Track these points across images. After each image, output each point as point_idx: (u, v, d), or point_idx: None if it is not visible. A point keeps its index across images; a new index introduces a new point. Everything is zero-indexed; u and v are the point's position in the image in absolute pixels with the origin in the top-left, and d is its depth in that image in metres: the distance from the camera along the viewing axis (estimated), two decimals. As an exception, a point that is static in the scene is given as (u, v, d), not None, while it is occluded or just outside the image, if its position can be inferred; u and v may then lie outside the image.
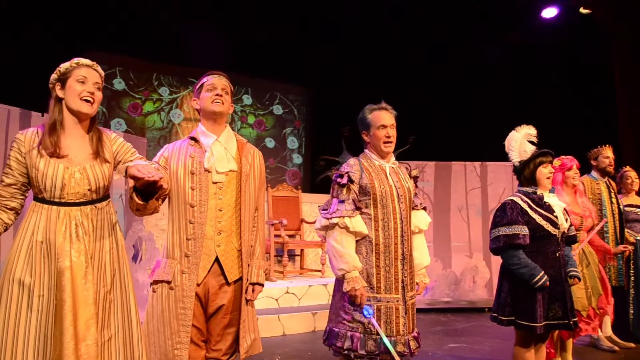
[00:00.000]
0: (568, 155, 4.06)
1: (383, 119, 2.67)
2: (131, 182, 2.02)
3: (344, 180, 2.53)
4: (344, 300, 2.49)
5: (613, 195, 4.73)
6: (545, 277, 2.77)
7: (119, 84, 8.32)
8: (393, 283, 2.50)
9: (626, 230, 4.76)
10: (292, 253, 6.85)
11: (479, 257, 6.52)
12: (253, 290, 2.36)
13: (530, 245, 2.84)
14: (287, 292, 5.42)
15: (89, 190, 2.08)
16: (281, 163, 9.57)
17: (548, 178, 3.00)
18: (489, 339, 4.98)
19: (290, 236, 6.44)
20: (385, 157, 2.68)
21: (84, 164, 2.08)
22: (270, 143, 9.44)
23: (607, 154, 4.76)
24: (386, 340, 2.41)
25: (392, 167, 2.69)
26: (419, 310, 5.87)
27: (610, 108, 7.39)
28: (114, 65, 8.30)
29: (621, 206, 4.79)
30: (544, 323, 2.81)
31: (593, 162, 4.85)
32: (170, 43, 8.14)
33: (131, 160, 2.16)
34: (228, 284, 2.31)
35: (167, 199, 2.36)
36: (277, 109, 9.68)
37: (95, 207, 2.11)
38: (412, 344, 2.52)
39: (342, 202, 2.51)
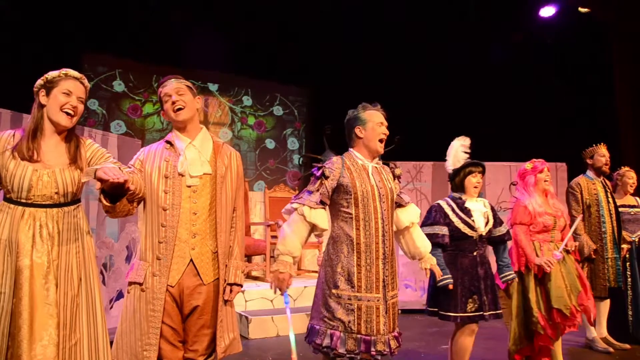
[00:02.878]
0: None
1: (380, 117, 2.73)
2: (98, 184, 2.04)
3: (318, 173, 2.56)
4: (325, 297, 2.51)
5: (609, 195, 4.68)
6: (449, 279, 3.10)
7: (118, 86, 8.36)
8: (374, 282, 2.50)
9: (622, 230, 4.70)
10: (289, 254, 6.83)
11: (477, 258, 6.47)
12: (231, 291, 2.39)
13: (450, 244, 3.22)
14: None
15: (56, 193, 2.13)
16: (281, 164, 9.57)
17: (475, 187, 3.34)
18: (483, 340, 4.92)
19: (287, 237, 6.41)
20: (375, 155, 2.69)
21: (55, 167, 2.15)
22: (270, 144, 9.45)
23: (602, 153, 4.69)
24: (292, 335, 2.51)
25: (375, 167, 2.68)
26: (415, 311, 5.89)
27: (610, 107, 7.33)
28: (113, 67, 8.35)
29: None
30: (460, 315, 3.16)
31: (589, 161, 4.78)
32: (170, 45, 8.16)
33: (99, 164, 2.20)
34: (203, 285, 2.33)
35: (142, 202, 2.38)
36: (278, 110, 9.69)
37: (62, 210, 2.16)
38: (393, 343, 2.54)
39: (310, 192, 2.54)
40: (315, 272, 6.33)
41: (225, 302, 2.38)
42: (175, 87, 2.39)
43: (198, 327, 2.33)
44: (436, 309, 3.24)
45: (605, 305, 4.65)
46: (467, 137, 3.52)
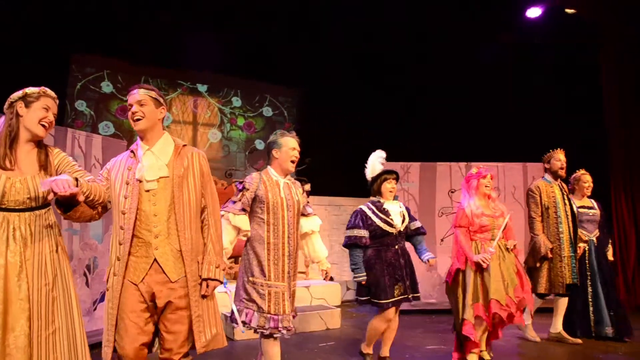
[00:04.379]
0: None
1: (293, 143, 3.33)
2: (51, 195, 2.22)
3: (240, 187, 3.23)
4: (244, 283, 3.14)
5: (566, 197, 4.94)
6: (363, 276, 3.75)
7: (106, 87, 8.33)
8: (280, 273, 3.14)
9: (580, 230, 5.01)
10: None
11: (464, 258, 6.49)
12: (207, 286, 2.49)
13: (374, 241, 3.85)
14: (269, 294, 5.40)
15: (28, 198, 2.33)
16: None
17: (390, 191, 3.97)
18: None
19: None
20: (287, 173, 3.32)
21: (27, 175, 2.35)
22: (260, 145, 9.43)
23: (559, 157, 4.96)
24: (234, 307, 3.10)
25: (287, 183, 3.32)
26: (404, 312, 5.92)
27: (598, 107, 7.38)
28: (101, 68, 8.32)
29: (574, 207, 5.00)
30: (390, 300, 3.74)
31: (546, 165, 5.05)
32: (158, 46, 8.14)
33: (67, 173, 2.38)
34: (172, 282, 2.43)
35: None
36: (267, 111, 9.68)
37: (34, 213, 2.36)
38: (293, 322, 3.20)
39: (234, 202, 3.19)
40: (303, 272, 6.34)
41: (204, 297, 2.47)
42: (138, 98, 2.53)
43: (172, 322, 2.42)
44: (368, 298, 3.80)
45: (563, 302, 4.88)
46: (383, 150, 4.13)
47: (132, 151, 2.59)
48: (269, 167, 3.34)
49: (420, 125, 8.69)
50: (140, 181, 2.46)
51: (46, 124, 2.42)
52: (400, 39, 8.47)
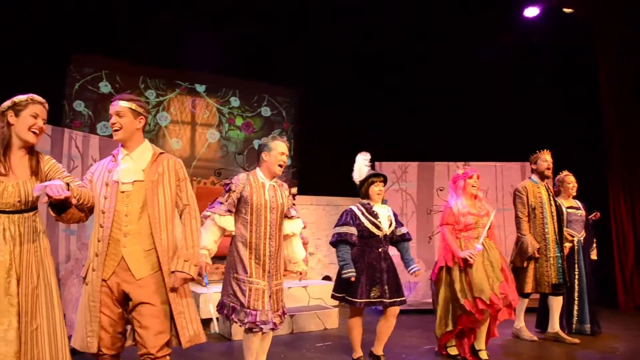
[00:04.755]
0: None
1: (283, 148, 3.46)
2: (46, 198, 2.36)
3: (227, 188, 3.37)
4: (230, 279, 3.33)
5: (552, 198, 5.02)
6: (352, 272, 3.77)
7: (105, 87, 8.32)
8: (261, 272, 3.30)
9: (567, 230, 5.16)
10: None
11: (463, 258, 6.48)
12: (176, 278, 2.61)
13: (360, 241, 3.91)
14: (266, 294, 5.39)
15: (18, 201, 2.49)
16: (270, 165, 9.56)
17: (378, 194, 4.03)
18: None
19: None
20: (274, 175, 3.44)
21: (19, 179, 2.51)
22: (257, 145, 9.43)
23: (545, 158, 5.04)
24: (212, 309, 3.35)
25: (272, 185, 3.45)
26: (402, 312, 5.90)
27: (595, 107, 7.37)
28: (99, 68, 8.30)
29: (563, 207, 5.15)
30: (364, 300, 3.81)
31: (533, 166, 5.15)
32: (157, 46, 8.14)
33: (58, 178, 2.54)
34: (138, 279, 2.59)
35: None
36: (265, 111, 9.67)
37: (23, 216, 2.51)
38: (276, 319, 3.35)
39: (220, 203, 3.34)
40: (302, 273, 6.33)
41: (173, 289, 2.60)
42: (117, 109, 2.72)
43: (143, 317, 2.57)
44: (343, 295, 3.89)
45: (558, 302, 4.95)
46: (368, 153, 4.14)
47: (113, 155, 2.79)
48: (257, 168, 3.48)
49: (419, 125, 8.68)
50: (118, 183, 2.67)
51: (36, 131, 2.55)
52: (399, 39, 8.46)
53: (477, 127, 8.08)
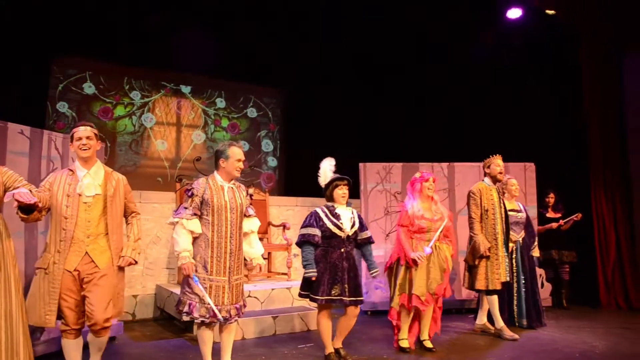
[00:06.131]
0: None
1: (240, 155, 3.71)
2: (15, 203, 2.95)
3: (189, 193, 3.63)
4: (188, 278, 3.54)
5: (501, 201, 5.30)
6: (313, 272, 4.02)
7: (89, 88, 8.29)
8: (222, 269, 3.57)
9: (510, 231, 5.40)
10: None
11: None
12: (123, 259, 3.42)
13: (323, 242, 4.12)
14: (249, 296, 5.38)
15: None
16: (256, 166, 9.56)
17: (342, 197, 4.25)
18: (438, 344, 4.98)
19: (257, 239, 6.42)
20: (232, 178, 3.70)
21: None
22: (244, 146, 9.41)
23: (497, 163, 5.29)
24: (209, 300, 3.49)
25: (231, 187, 3.71)
26: (380, 312, 5.94)
27: (579, 107, 7.43)
28: (83, 69, 8.27)
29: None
30: (325, 297, 4.04)
31: (486, 170, 5.38)
32: (141, 47, 8.10)
33: (17, 187, 3.08)
34: (99, 268, 3.30)
35: (49, 212, 3.36)
36: (252, 112, 9.67)
37: None
38: (233, 312, 3.61)
39: (185, 208, 3.59)
40: (285, 274, 6.33)
41: (120, 268, 3.43)
42: (87, 134, 3.43)
43: (93, 295, 3.26)
44: (307, 293, 4.11)
45: (493, 298, 5.18)
46: (333, 158, 4.36)
47: (70, 170, 3.45)
48: (215, 172, 3.74)
49: (403, 125, 8.71)
50: (80, 195, 3.35)
51: None
52: (384, 40, 8.49)
53: (460, 127, 8.13)
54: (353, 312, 4.17)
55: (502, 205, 5.24)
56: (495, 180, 5.29)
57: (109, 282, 3.34)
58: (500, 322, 5.13)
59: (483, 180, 5.37)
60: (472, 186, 5.38)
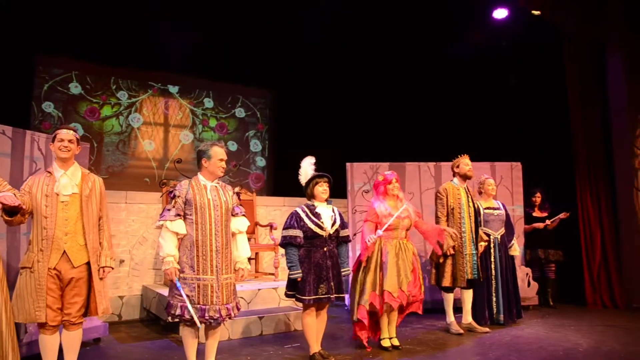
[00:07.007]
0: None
1: (222, 154, 3.72)
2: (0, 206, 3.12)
3: (172, 195, 3.65)
4: (170, 281, 3.54)
5: (470, 200, 5.40)
6: (298, 274, 4.05)
7: (75, 89, 8.23)
8: (209, 267, 3.54)
9: (483, 229, 5.56)
10: (246, 256, 6.80)
11: (433, 258, 6.52)
12: (104, 271, 3.55)
13: (306, 241, 4.13)
14: (236, 296, 5.36)
15: None
16: (244, 166, 9.53)
17: (323, 193, 4.24)
18: (423, 343, 4.99)
19: (244, 239, 6.41)
20: (215, 177, 3.71)
21: None
22: (232, 146, 9.40)
23: (466, 162, 5.45)
24: (190, 306, 3.46)
25: (215, 186, 3.72)
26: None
27: (563, 107, 7.47)
28: (70, 69, 8.22)
29: (481, 208, 5.63)
30: (313, 297, 4.06)
31: (455, 170, 5.53)
32: (129, 46, 8.06)
33: (2, 191, 3.23)
34: (74, 267, 3.41)
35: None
36: (240, 112, 9.65)
37: None
38: (223, 311, 3.56)
39: (169, 210, 3.60)
40: (272, 274, 6.32)
41: (101, 279, 3.53)
42: (70, 138, 3.56)
43: (72, 295, 3.42)
44: (293, 293, 4.14)
45: (469, 295, 5.38)
46: (313, 157, 4.36)
47: (48, 171, 3.55)
48: (198, 173, 3.74)
49: (389, 125, 8.73)
50: (58, 194, 3.46)
51: None
52: (372, 39, 8.50)
53: (446, 127, 8.16)
54: (324, 313, 4.27)
55: (470, 204, 5.35)
56: (465, 178, 5.42)
57: (86, 283, 3.46)
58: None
59: (452, 180, 5.50)
60: (440, 186, 5.56)
